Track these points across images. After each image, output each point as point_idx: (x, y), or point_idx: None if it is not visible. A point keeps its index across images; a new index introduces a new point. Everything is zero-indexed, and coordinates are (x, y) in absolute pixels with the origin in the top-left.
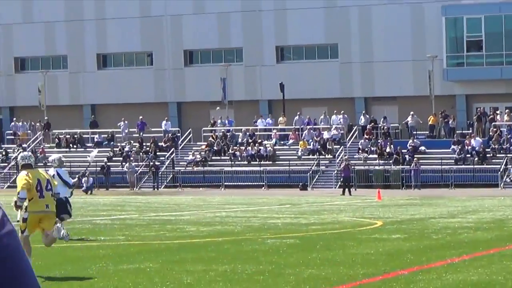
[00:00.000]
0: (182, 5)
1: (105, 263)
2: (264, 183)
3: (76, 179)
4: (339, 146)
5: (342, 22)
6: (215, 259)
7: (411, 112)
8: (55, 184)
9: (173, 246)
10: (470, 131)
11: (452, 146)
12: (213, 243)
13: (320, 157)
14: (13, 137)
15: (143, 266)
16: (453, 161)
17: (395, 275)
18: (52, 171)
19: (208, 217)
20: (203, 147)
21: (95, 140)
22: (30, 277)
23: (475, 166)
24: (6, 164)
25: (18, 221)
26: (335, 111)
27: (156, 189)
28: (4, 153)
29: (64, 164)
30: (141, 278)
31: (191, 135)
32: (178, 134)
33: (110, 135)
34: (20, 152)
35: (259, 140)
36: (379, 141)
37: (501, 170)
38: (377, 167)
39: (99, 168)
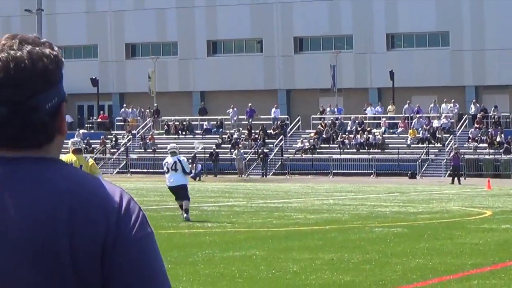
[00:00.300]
0: None
1: (211, 250)
2: (372, 171)
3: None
4: (448, 135)
5: (454, 9)
6: (321, 247)
7: None
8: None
9: (279, 233)
10: None
11: None
12: (320, 231)
13: (430, 145)
14: (122, 123)
15: (249, 254)
16: None
17: (504, 266)
18: (170, 159)
19: (315, 205)
20: (312, 134)
21: (204, 127)
22: (164, 282)
23: None
24: (115, 150)
25: None
26: (445, 100)
27: (264, 176)
28: (114, 139)
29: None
30: (247, 265)
31: (300, 122)
32: (287, 122)
33: (219, 122)
34: (130, 139)
35: (368, 128)
36: (489, 130)
37: None
38: (487, 156)
39: (208, 155)
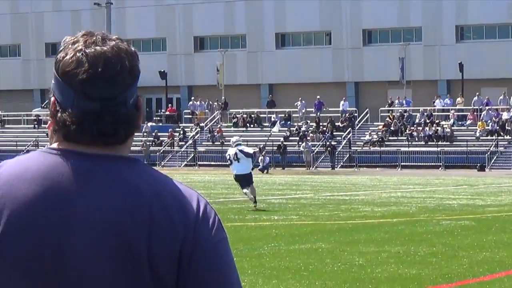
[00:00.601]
0: None
1: (277, 243)
2: (441, 164)
3: (257, 149)
4: None
5: None
6: (388, 240)
7: None
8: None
9: (346, 226)
10: None
11: None
12: (387, 224)
13: (499, 138)
14: (191, 116)
15: (315, 247)
16: None
17: None
18: (231, 150)
19: (383, 198)
20: (380, 127)
21: (272, 119)
22: (238, 286)
23: None
24: (183, 143)
25: None
26: None
27: (332, 168)
28: (182, 132)
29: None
30: (313, 258)
31: (368, 115)
32: (355, 114)
33: (287, 115)
34: (198, 132)
35: (437, 121)
36: None
37: None
38: None
39: (276, 147)
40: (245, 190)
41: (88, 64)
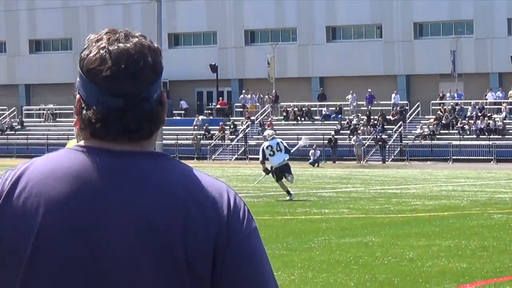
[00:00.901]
0: None
1: (328, 236)
2: (492, 157)
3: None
4: None
5: None
6: (438, 234)
7: None
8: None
9: (397, 220)
10: None
11: None
12: (438, 218)
13: None
14: (241, 109)
15: (365, 240)
16: None
17: None
18: (272, 142)
19: (434, 191)
20: (431, 120)
21: (323, 113)
22: (271, 272)
23: None
24: (234, 137)
25: None
26: None
27: (383, 162)
28: (232, 125)
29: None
30: (363, 252)
31: (419, 108)
32: (407, 107)
33: (338, 108)
34: (249, 125)
35: (489, 114)
36: None
37: None
38: None
39: (327, 141)
40: (284, 179)
41: (112, 61)
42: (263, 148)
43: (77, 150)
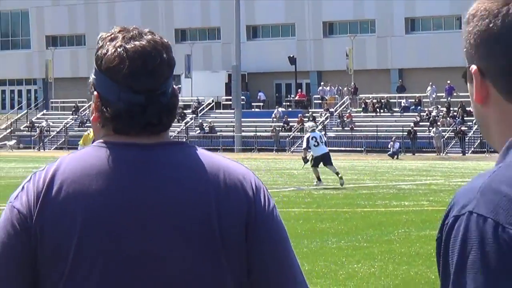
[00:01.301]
0: None
1: (408, 228)
2: None
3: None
4: None
5: None
6: None
7: None
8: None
9: None
10: None
11: None
12: None
13: None
14: (320, 101)
15: None
16: None
17: None
18: (316, 133)
19: None
20: None
21: (402, 104)
22: (291, 250)
23: None
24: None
25: None
26: None
27: (463, 154)
28: (311, 117)
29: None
30: None
31: None
32: None
33: (417, 100)
34: (328, 117)
35: None
36: None
37: None
38: None
39: (406, 133)
40: (317, 174)
41: (130, 59)
42: (308, 138)
43: (104, 146)
